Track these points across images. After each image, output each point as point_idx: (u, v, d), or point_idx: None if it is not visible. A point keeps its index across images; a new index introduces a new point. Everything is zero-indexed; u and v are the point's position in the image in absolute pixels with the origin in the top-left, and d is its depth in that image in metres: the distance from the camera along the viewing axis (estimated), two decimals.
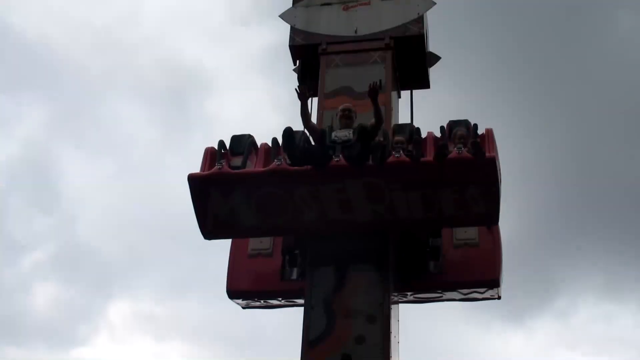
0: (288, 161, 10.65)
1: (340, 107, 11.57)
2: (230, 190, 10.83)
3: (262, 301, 12.50)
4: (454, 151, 10.45)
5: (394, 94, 13.50)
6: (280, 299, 12.35)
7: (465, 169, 10.39)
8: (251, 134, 11.87)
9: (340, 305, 10.95)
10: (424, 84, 14.44)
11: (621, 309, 43.41)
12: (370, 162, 10.55)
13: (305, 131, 11.56)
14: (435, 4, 13.75)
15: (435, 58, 14.18)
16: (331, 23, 13.70)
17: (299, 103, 11.13)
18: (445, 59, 14.71)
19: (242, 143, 11.68)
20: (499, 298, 12.08)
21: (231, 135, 11.83)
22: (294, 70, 14.18)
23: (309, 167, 10.63)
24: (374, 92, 10.85)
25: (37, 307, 40.92)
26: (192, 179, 10.85)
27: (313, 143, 11.46)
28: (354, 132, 11.05)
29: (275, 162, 10.74)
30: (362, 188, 10.61)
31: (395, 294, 11.61)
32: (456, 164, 10.38)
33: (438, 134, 11.22)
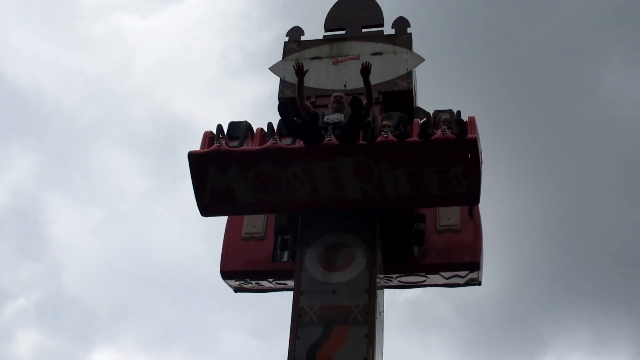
0: (282, 140, 11.32)
1: (333, 94, 12.31)
2: (228, 167, 11.47)
3: (253, 282, 13.08)
4: (438, 132, 11.16)
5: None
6: (271, 279, 12.93)
7: (449, 149, 11.09)
8: (248, 121, 12.62)
9: None
10: None
11: None
12: (360, 140, 11.23)
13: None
14: (424, 60, 14.27)
15: (423, 113, 14.22)
16: (321, 77, 14.26)
17: None
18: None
19: (239, 128, 12.42)
20: (479, 284, 12.70)
21: (229, 122, 12.57)
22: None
23: (302, 144, 11.32)
24: (367, 71, 11.58)
25: (20, 355, 40.94)
26: (192, 156, 11.50)
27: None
28: (345, 116, 11.76)
29: (270, 141, 11.42)
30: (352, 166, 11.27)
31: (381, 276, 12.19)
32: (440, 144, 11.08)
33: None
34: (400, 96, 14.01)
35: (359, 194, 11.54)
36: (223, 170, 11.51)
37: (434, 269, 12.63)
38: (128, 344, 43.50)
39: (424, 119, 11.65)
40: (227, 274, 12.85)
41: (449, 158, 11.17)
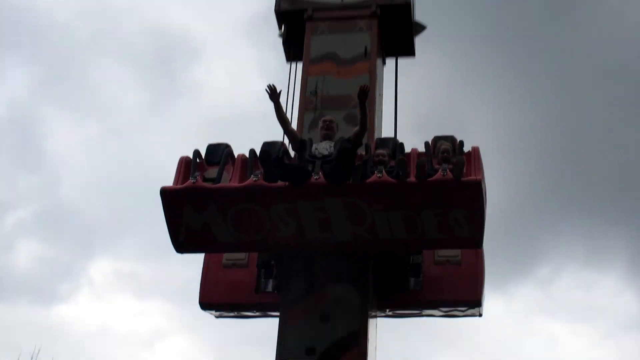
0: (265, 177, 10.17)
1: (322, 119, 11.14)
2: (205, 206, 10.37)
3: (235, 312, 12.11)
4: (438, 173, 10.00)
5: (378, 61, 13.36)
6: (254, 312, 11.96)
7: (449, 191, 9.97)
8: (228, 143, 11.43)
9: None
10: (410, 52, 14.37)
11: (602, 277, 43.49)
12: (351, 181, 10.12)
13: (285, 138, 11.17)
14: None
15: (421, 27, 14.11)
16: None
17: (285, 68, 11.12)
18: (432, 28, 14.70)
19: (219, 153, 11.20)
20: (480, 315, 11.72)
21: (207, 144, 11.38)
22: (279, 35, 13.99)
23: (286, 183, 10.18)
24: (364, 94, 10.41)
25: (20, 265, 40.69)
26: (165, 193, 10.38)
27: (292, 150, 11.11)
28: (335, 145, 10.62)
29: (252, 178, 10.28)
30: (342, 207, 10.17)
31: (374, 312, 11.24)
32: (440, 186, 9.95)
33: (422, 149, 10.87)
34: (398, 10, 13.57)
35: (349, 237, 10.46)
36: (199, 209, 10.40)
37: (432, 305, 11.65)
38: (126, 253, 43.34)
39: (422, 158, 10.35)
40: (206, 305, 11.85)
41: (449, 201, 10.05)
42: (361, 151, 10.93)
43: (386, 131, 13.26)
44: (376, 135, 12.50)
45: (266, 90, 10.61)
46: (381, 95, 13.54)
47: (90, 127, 43.77)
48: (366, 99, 10.46)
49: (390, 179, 10.03)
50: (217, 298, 11.85)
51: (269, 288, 11.65)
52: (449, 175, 9.93)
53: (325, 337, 10.57)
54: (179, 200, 10.38)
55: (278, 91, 10.63)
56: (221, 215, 10.40)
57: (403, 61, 14.37)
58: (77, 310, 41.02)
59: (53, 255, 43.29)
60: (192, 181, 10.33)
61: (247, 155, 11.08)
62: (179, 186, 10.42)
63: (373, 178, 10.05)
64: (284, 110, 11.03)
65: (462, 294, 11.42)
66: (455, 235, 10.25)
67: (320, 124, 11.06)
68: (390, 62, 14.24)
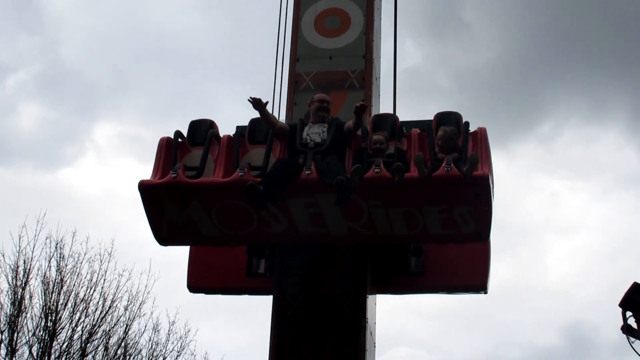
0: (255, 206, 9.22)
1: (317, 97, 10.18)
2: (187, 201, 9.53)
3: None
4: (441, 167, 9.11)
5: None
6: (246, 294, 11.24)
7: (454, 187, 9.12)
8: (212, 119, 10.43)
9: None
10: None
11: (603, 132, 43.08)
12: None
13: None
14: None
15: None
16: None
17: None
18: None
19: (202, 131, 10.24)
20: (485, 293, 10.99)
21: (189, 122, 10.41)
22: None
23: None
24: (362, 109, 9.58)
25: (23, 128, 40.35)
26: (144, 187, 9.51)
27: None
28: (329, 130, 9.75)
29: (238, 172, 9.39)
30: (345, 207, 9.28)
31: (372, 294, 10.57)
32: (443, 183, 9.09)
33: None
34: None
35: (344, 232, 9.68)
36: (181, 205, 9.57)
37: (434, 289, 10.93)
38: (129, 115, 43.06)
39: (420, 153, 9.31)
40: (194, 288, 11.12)
41: (453, 197, 9.22)
42: (358, 133, 10.04)
43: (384, 35, 12.40)
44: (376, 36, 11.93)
45: (249, 100, 9.66)
46: None
47: None
48: (363, 113, 9.66)
49: (389, 175, 9.14)
50: (206, 282, 11.11)
51: (261, 269, 10.88)
52: (454, 170, 9.05)
53: None
54: (159, 195, 9.54)
55: (264, 102, 9.73)
56: (205, 210, 9.59)
57: None
58: (82, 173, 40.93)
59: (56, 117, 42.96)
60: (173, 175, 9.44)
61: (232, 135, 10.16)
62: (158, 181, 9.53)
63: (370, 173, 9.16)
64: (270, 115, 10.10)
65: (467, 278, 10.67)
66: (460, 231, 9.46)
67: (315, 103, 10.12)
68: None
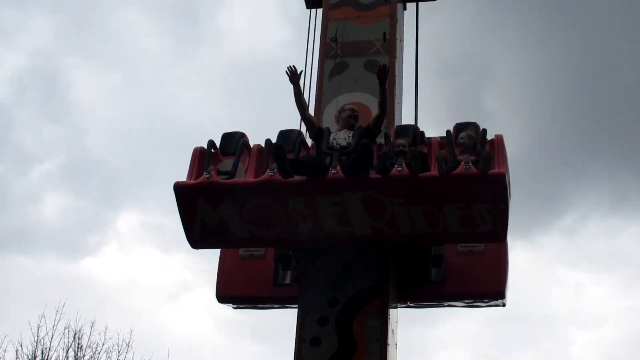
0: (279, 171, 9.80)
1: (346, 106, 10.84)
2: (219, 201, 10.07)
3: (253, 305, 11.85)
4: (460, 166, 9.65)
5: (399, 5, 13.22)
6: (273, 304, 11.68)
7: (472, 185, 9.63)
8: (244, 132, 11.10)
9: None
10: None
11: (627, 225, 43.22)
12: (371, 174, 9.78)
13: (302, 128, 10.87)
14: None
15: None
16: None
17: (306, 15, 11.42)
18: None
19: (234, 142, 10.88)
20: (504, 305, 11.41)
21: (222, 133, 11.07)
22: None
23: (303, 178, 9.85)
24: (384, 73, 10.12)
25: (47, 218, 40.95)
26: (179, 188, 10.08)
27: (308, 138, 10.83)
28: (354, 135, 10.29)
29: (268, 173, 9.95)
30: (360, 201, 9.84)
31: (394, 305, 10.96)
32: (462, 180, 9.61)
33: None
34: None
35: (368, 230, 10.14)
36: (214, 204, 10.10)
37: (454, 298, 11.33)
38: (151, 205, 43.50)
39: (442, 152, 9.91)
40: (223, 298, 11.57)
41: (472, 194, 9.71)
42: (380, 140, 10.63)
43: (407, 78, 13.06)
44: (397, 84, 12.49)
45: (286, 72, 10.34)
46: (402, 41, 13.31)
47: (114, 76, 43.81)
48: (386, 79, 10.17)
49: (410, 173, 9.67)
50: (234, 291, 11.55)
51: (287, 280, 11.33)
52: (472, 168, 9.59)
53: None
54: (194, 195, 10.09)
55: (298, 72, 10.35)
56: (237, 210, 10.11)
57: (424, 5, 14.04)
58: (104, 262, 41.33)
59: (79, 207, 43.56)
60: (207, 176, 10.02)
61: (262, 145, 10.76)
62: (192, 181, 10.12)
63: (393, 171, 9.70)
64: (304, 96, 10.75)
65: (485, 286, 11.08)
66: (479, 229, 9.93)
67: (347, 111, 10.73)
68: (411, 6, 13.93)
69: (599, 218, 45.66)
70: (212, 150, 10.74)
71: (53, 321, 22.22)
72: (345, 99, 12.17)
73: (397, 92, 12.56)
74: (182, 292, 41.52)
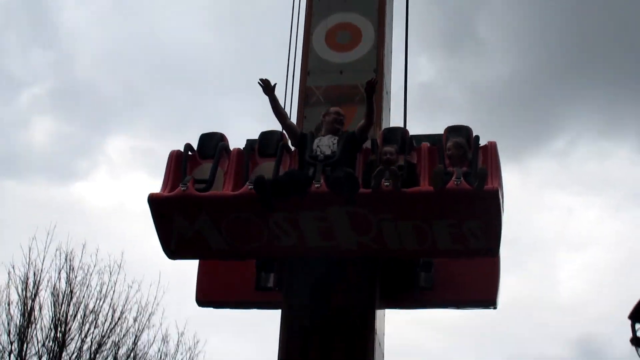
0: (263, 204, 9.20)
1: (333, 110, 10.22)
2: (196, 214, 9.53)
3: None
4: (451, 181, 9.08)
5: None
6: (255, 308, 11.21)
7: (464, 202, 9.10)
8: (222, 133, 10.46)
9: None
10: None
11: (617, 148, 42.97)
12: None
13: (283, 132, 10.28)
14: None
15: None
16: None
17: None
18: None
19: (212, 144, 10.28)
20: (495, 308, 10.94)
21: (200, 134, 10.45)
22: None
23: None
24: (371, 88, 9.55)
25: (36, 143, 40.47)
26: (153, 201, 9.51)
27: (290, 144, 10.27)
28: (338, 142, 9.72)
29: (248, 185, 9.38)
30: (345, 216, 9.32)
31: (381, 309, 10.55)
32: (453, 197, 9.07)
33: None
34: None
35: (354, 245, 9.65)
36: (190, 218, 9.56)
37: (443, 304, 10.88)
38: (142, 130, 43.05)
39: (440, 167, 9.26)
40: (203, 303, 11.10)
41: (463, 211, 9.19)
42: (367, 145, 10.05)
43: (396, 50, 12.42)
44: (386, 51, 11.84)
45: (259, 83, 9.69)
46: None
47: (103, 1, 42.81)
48: (374, 94, 9.58)
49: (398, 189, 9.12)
50: (215, 295, 11.10)
51: (270, 283, 10.82)
52: (463, 184, 9.03)
53: None
54: (169, 209, 9.55)
55: (272, 84, 9.74)
56: (214, 224, 9.58)
57: None
58: (94, 187, 41.10)
59: (69, 132, 43.07)
60: (183, 188, 9.44)
61: (242, 148, 10.19)
62: (167, 194, 9.55)
63: (380, 186, 9.14)
64: (281, 105, 10.17)
65: (476, 294, 10.63)
66: (470, 245, 9.43)
67: (332, 114, 10.12)
68: None
69: (589, 141, 45.42)
70: (190, 153, 10.16)
71: (44, 243, 22.07)
72: (335, 19, 11.86)
73: (387, 16, 12.12)
74: None
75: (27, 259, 21.79)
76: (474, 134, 9.96)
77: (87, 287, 22.17)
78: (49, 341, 21.28)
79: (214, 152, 10.10)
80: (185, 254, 10.12)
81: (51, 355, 21.28)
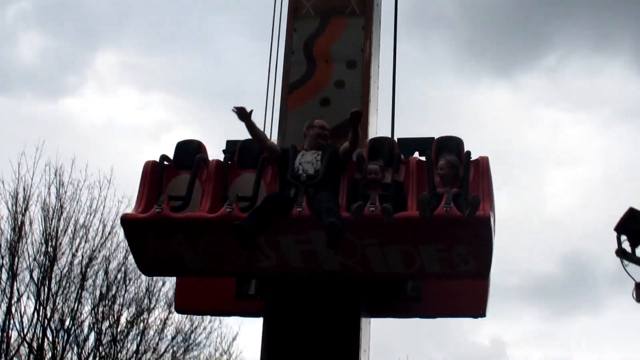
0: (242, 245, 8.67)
1: (317, 123, 9.64)
2: (172, 236, 9.09)
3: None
4: (439, 207, 8.60)
5: None
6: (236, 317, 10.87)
7: (454, 228, 8.65)
8: (200, 141, 9.90)
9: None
10: None
11: (609, 63, 42.47)
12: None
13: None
14: None
15: None
16: None
17: None
18: None
19: (189, 153, 9.73)
20: (484, 316, 10.58)
21: (176, 143, 9.90)
22: None
23: None
24: (357, 118, 8.97)
25: (23, 57, 39.72)
26: (126, 223, 9.04)
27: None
28: (322, 159, 9.20)
29: (226, 208, 8.90)
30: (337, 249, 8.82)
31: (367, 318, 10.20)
32: (442, 223, 8.62)
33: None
34: None
35: (338, 267, 9.23)
36: (166, 239, 9.12)
37: (431, 315, 10.50)
38: (130, 45, 42.28)
39: (425, 194, 8.73)
40: (182, 311, 10.74)
41: (452, 236, 8.77)
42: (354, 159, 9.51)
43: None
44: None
45: (233, 110, 9.13)
46: None
47: None
48: (359, 122, 9.03)
49: (382, 215, 8.62)
50: (194, 305, 10.75)
51: (251, 290, 10.40)
52: (453, 210, 8.55)
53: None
54: (143, 231, 9.10)
55: (248, 111, 9.20)
56: (191, 245, 9.14)
57: None
58: (83, 103, 40.54)
59: (56, 46, 42.20)
60: (157, 210, 8.95)
61: (221, 160, 9.67)
62: (142, 215, 9.05)
63: (365, 211, 8.66)
64: (257, 128, 9.54)
65: (465, 306, 10.28)
66: (459, 269, 9.03)
67: (316, 129, 9.56)
68: None
69: (581, 57, 44.76)
70: (166, 163, 9.64)
71: (33, 159, 22.17)
72: None
73: None
74: (163, 133, 40.89)
75: (17, 174, 21.95)
76: (464, 147, 9.45)
77: (77, 202, 22.48)
78: (39, 255, 21.60)
79: (191, 163, 9.56)
80: (161, 272, 9.79)
81: (42, 269, 21.51)
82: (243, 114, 9.14)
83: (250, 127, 9.27)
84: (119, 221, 20.98)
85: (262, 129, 9.84)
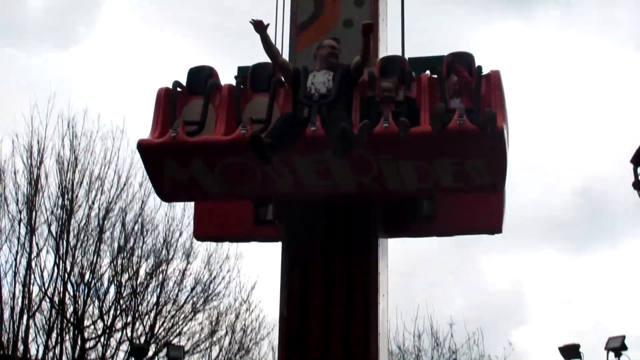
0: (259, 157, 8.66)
1: (327, 43, 9.58)
2: (188, 160, 9.17)
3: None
4: (453, 120, 8.64)
5: None
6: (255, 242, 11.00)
7: (467, 140, 8.70)
8: (212, 66, 9.96)
9: None
10: None
11: None
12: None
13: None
14: None
15: None
16: None
17: None
18: None
19: (202, 79, 9.77)
20: (500, 232, 10.64)
21: (189, 69, 9.95)
22: None
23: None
24: (369, 30, 8.94)
25: (31, 9, 39.59)
26: (143, 148, 9.13)
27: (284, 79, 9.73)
28: (334, 78, 9.19)
29: (240, 130, 8.97)
30: (344, 159, 8.89)
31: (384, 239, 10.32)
32: (456, 137, 8.65)
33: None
34: None
35: (353, 186, 9.33)
36: (183, 163, 9.21)
37: (448, 233, 10.62)
38: None
39: (440, 105, 8.73)
40: (201, 238, 10.87)
41: (465, 149, 8.83)
42: (364, 78, 9.54)
43: None
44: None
45: (250, 22, 9.12)
46: None
47: None
48: (370, 33, 9.00)
49: (397, 130, 8.66)
50: (213, 230, 10.86)
51: (269, 216, 10.49)
52: (466, 123, 8.59)
53: None
54: (159, 156, 9.19)
55: (265, 24, 9.16)
56: (208, 168, 9.23)
57: None
58: (93, 53, 40.77)
59: None
60: (173, 134, 9.01)
61: (233, 84, 9.72)
62: (157, 140, 9.12)
63: (379, 128, 8.71)
64: (273, 43, 9.53)
65: (481, 223, 10.40)
66: (474, 183, 9.12)
67: (326, 48, 9.48)
68: None
69: None
70: (179, 89, 9.70)
71: (46, 111, 22.39)
72: None
73: None
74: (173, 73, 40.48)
75: (30, 127, 22.10)
76: (475, 62, 9.49)
77: (92, 154, 22.54)
78: (57, 209, 21.76)
79: (204, 89, 9.63)
80: (179, 197, 10.02)
81: (60, 222, 21.73)
82: (259, 26, 9.13)
83: (265, 40, 9.24)
84: (133, 172, 21.39)
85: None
